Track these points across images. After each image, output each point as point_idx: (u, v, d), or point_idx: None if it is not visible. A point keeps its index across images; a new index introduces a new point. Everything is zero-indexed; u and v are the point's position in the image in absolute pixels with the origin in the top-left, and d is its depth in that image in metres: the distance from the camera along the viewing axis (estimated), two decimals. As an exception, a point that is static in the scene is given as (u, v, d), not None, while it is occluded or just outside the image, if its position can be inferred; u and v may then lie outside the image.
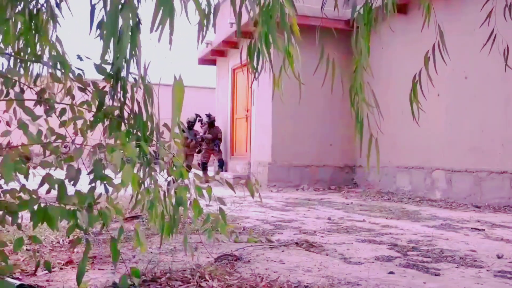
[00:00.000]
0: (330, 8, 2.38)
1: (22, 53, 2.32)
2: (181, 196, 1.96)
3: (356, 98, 2.13)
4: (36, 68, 2.41)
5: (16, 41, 2.36)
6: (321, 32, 2.41)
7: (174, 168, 1.97)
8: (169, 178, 2.06)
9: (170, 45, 1.56)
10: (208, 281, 2.17)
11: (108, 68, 1.81)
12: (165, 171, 1.99)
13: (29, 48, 2.30)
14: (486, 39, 2.71)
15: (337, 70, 2.21)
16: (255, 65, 2.18)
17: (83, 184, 1.86)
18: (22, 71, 2.33)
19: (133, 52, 1.63)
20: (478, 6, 6.43)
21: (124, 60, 1.58)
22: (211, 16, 1.83)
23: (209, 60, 12.58)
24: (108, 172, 1.86)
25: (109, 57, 1.68)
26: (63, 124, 2.03)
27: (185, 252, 2.17)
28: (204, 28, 1.80)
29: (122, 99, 1.83)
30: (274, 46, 2.10)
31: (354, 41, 2.12)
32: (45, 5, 2.33)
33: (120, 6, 1.43)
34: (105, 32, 1.37)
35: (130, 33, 1.44)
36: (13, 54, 2.30)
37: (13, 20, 2.25)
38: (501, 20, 2.72)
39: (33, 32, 2.29)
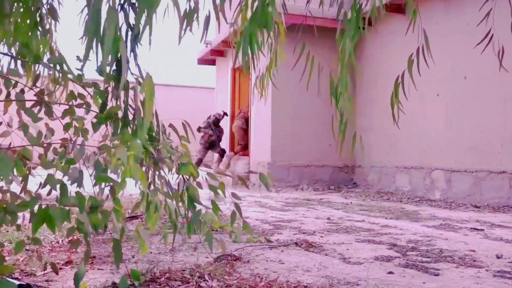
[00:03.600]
0: (332, 8, 2.39)
1: (21, 54, 2.32)
2: (194, 194, 1.95)
3: (341, 99, 2.14)
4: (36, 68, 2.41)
5: (16, 41, 2.36)
6: (318, 31, 2.41)
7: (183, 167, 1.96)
8: (177, 178, 2.06)
9: (149, 45, 1.61)
10: (208, 281, 2.17)
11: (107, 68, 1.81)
12: (172, 170, 1.98)
13: (29, 48, 2.30)
14: (486, 39, 2.72)
15: (327, 69, 2.21)
16: (247, 64, 2.20)
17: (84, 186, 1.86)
18: (22, 72, 2.33)
19: (129, 54, 1.64)
20: (478, 6, 6.43)
21: (113, 63, 1.61)
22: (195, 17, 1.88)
23: (208, 60, 12.58)
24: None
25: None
26: (67, 128, 2.02)
27: (211, 249, 2.14)
28: (184, 28, 1.86)
29: (125, 99, 1.83)
30: (256, 48, 2.12)
31: (339, 40, 2.13)
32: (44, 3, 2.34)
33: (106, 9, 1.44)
34: (86, 34, 1.38)
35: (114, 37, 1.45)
36: (12, 54, 2.30)
37: (12, 19, 2.25)
38: (498, 20, 2.72)
39: (32, 31, 2.30)
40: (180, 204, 2.03)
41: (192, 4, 1.97)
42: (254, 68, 2.26)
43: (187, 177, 2.03)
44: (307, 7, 2.37)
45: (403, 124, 7.83)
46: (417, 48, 2.23)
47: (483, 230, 4.12)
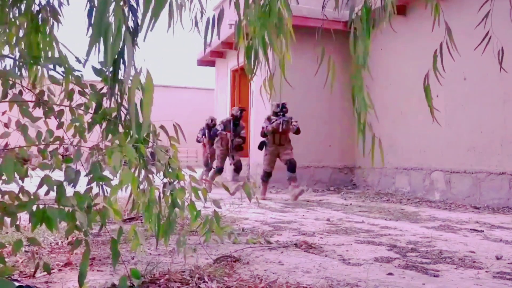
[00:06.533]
0: (329, 9, 2.38)
1: (22, 55, 2.32)
2: (176, 198, 1.95)
3: (356, 99, 2.14)
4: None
5: (17, 43, 2.36)
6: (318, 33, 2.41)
7: (170, 170, 1.97)
8: (165, 180, 2.06)
9: (137, 46, 1.65)
10: (207, 283, 2.17)
11: (106, 70, 1.81)
12: (161, 172, 1.99)
13: (31, 50, 2.30)
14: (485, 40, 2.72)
15: (337, 71, 2.22)
16: (252, 67, 2.19)
17: (82, 186, 1.85)
18: (25, 73, 2.33)
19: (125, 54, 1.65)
20: (476, 7, 6.40)
21: (115, 63, 1.61)
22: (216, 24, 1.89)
23: (208, 61, 12.58)
24: (106, 173, 1.86)
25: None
26: (61, 126, 2.02)
27: (178, 254, 2.16)
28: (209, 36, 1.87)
29: (119, 100, 1.83)
30: (272, 49, 2.11)
31: (352, 43, 2.12)
32: (47, 5, 2.33)
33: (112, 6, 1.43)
34: (91, 32, 1.37)
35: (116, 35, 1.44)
36: (14, 56, 2.30)
37: (14, 21, 2.25)
38: (497, 21, 2.72)
39: (35, 33, 2.29)
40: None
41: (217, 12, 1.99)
42: (269, 69, 2.26)
43: (173, 180, 2.03)
44: (323, 11, 2.37)
45: (402, 125, 7.85)
46: (440, 44, 2.22)
47: (483, 231, 4.11)
